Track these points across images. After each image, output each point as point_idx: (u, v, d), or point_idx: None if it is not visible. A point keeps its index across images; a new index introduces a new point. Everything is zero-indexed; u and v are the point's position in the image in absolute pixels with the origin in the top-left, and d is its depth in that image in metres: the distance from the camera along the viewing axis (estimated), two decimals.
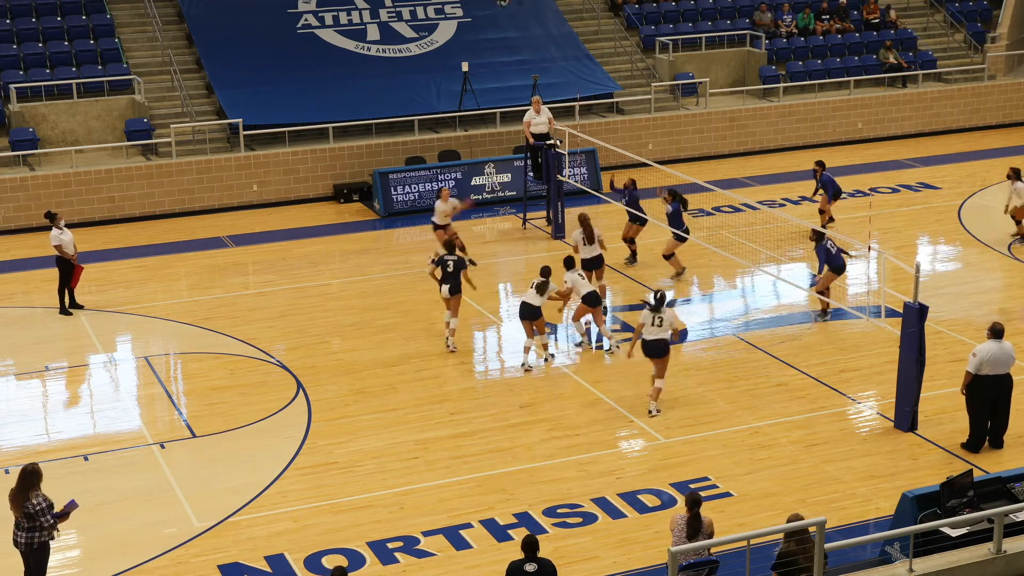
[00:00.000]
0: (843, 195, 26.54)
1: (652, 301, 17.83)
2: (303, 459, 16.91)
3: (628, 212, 23.87)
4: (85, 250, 24.34)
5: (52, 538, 13.24)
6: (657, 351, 17.68)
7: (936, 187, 29.23)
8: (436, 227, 23.93)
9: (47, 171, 27.35)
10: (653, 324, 17.57)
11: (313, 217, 27.94)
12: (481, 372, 20.02)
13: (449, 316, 20.25)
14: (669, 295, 21.36)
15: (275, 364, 20.06)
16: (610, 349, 20.27)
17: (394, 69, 31.19)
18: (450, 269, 20.01)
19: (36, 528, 13.04)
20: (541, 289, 19.31)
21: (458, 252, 20.60)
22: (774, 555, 12.38)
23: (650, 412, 17.92)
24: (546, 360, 19.90)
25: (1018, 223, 24.88)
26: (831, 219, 25.82)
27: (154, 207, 27.91)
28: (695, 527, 12.78)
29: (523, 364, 19.69)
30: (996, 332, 16.29)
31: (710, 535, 12.77)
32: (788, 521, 12.15)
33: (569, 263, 20.07)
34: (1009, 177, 24.83)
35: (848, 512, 15.24)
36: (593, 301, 19.76)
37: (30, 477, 13.06)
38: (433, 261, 20.34)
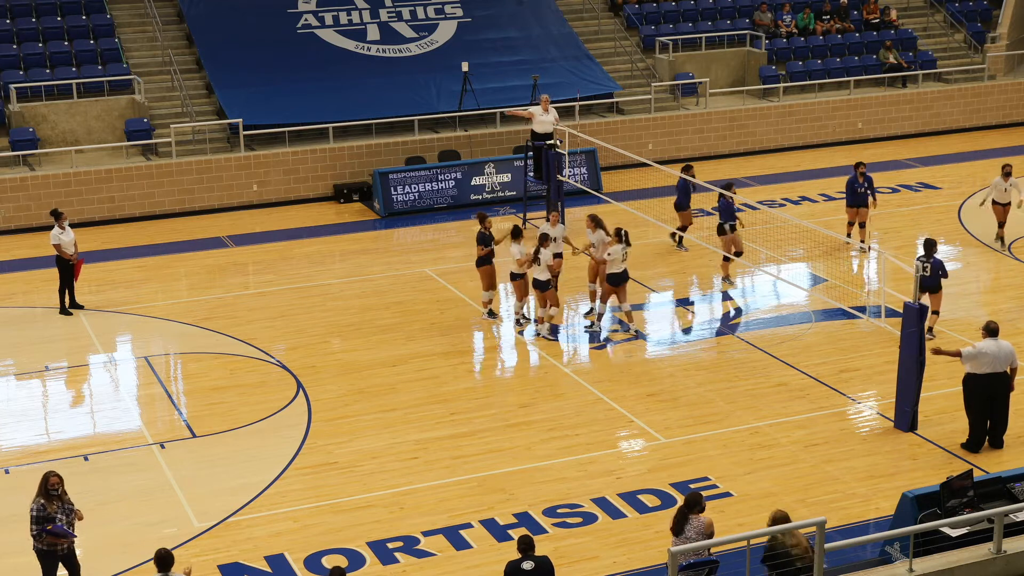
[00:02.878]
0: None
1: (623, 238, 20.39)
2: (303, 459, 16.91)
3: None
4: (85, 250, 24.34)
5: (47, 549, 13.21)
6: (624, 280, 20.50)
7: (936, 187, 29.23)
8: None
9: (47, 171, 27.35)
10: (623, 260, 20.39)
11: (313, 217, 27.94)
12: (481, 372, 20.03)
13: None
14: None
15: (275, 364, 20.06)
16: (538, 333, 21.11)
17: (394, 69, 31.19)
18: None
19: (32, 534, 13.13)
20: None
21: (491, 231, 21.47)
22: (765, 546, 12.37)
23: (631, 331, 20.69)
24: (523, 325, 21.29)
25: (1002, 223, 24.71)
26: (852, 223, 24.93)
27: (154, 207, 27.92)
28: (679, 523, 12.81)
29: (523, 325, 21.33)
30: (991, 330, 16.30)
31: (710, 535, 12.77)
32: (774, 519, 12.20)
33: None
34: (1007, 175, 24.43)
35: (848, 512, 15.24)
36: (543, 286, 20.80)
37: (40, 481, 13.13)
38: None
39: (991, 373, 16.27)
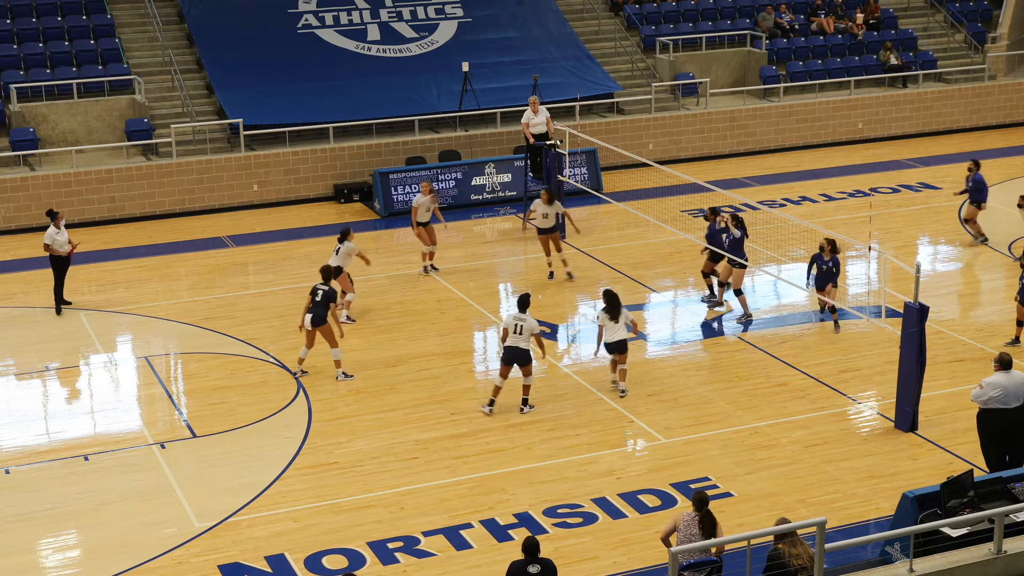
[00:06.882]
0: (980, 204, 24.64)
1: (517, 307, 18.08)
2: (303, 459, 16.91)
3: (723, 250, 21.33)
4: (85, 250, 24.35)
5: None
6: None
7: (936, 187, 29.22)
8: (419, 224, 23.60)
9: (47, 171, 27.34)
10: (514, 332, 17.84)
11: (313, 217, 27.93)
12: (481, 372, 20.01)
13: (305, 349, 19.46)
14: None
15: (275, 364, 20.06)
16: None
17: (394, 69, 31.18)
18: (318, 298, 18.91)
19: None
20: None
21: (332, 283, 19.24)
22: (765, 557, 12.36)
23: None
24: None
25: None
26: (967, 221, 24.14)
27: (154, 207, 27.91)
28: (708, 525, 12.63)
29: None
30: (1004, 363, 15.29)
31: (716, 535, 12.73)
32: (777, 524, 12.11)
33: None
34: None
35: (848, 512, 15.23)
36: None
37: None
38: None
39: (1003, 408, 15.21)
